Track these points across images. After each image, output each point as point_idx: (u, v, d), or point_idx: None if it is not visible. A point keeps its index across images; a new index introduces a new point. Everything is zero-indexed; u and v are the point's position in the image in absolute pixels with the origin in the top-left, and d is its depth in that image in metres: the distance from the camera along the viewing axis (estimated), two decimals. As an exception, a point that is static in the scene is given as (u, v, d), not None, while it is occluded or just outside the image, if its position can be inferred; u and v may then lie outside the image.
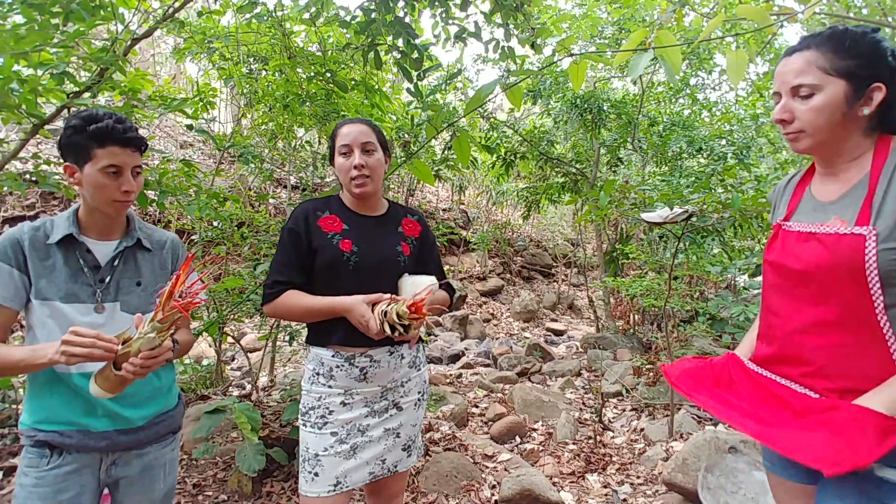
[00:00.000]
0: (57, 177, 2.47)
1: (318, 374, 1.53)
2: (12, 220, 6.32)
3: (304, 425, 1.54)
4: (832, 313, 1.01)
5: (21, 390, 3.00)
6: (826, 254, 1.02)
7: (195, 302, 1.14)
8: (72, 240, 1.28)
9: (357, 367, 1.52)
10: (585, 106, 6.03)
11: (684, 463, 2.56)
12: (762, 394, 1.11)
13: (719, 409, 1.09)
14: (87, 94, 2.29)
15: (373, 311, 1.41)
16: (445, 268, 1.81)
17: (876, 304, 0.97)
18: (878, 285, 0.96)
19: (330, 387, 1.52)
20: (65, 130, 1.25)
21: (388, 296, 1.43)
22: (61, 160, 1.29)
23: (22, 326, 4.05)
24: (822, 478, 1.09)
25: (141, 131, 1.40)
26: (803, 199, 1.17)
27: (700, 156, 5.98)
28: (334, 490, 1.48)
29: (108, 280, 1.31)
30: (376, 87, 3.32)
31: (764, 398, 1.10)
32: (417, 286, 1.52)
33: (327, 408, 1.51)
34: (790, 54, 1.07)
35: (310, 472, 1.49)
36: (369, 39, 2.59)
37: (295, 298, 1.50)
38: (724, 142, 5.75)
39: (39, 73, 2.06)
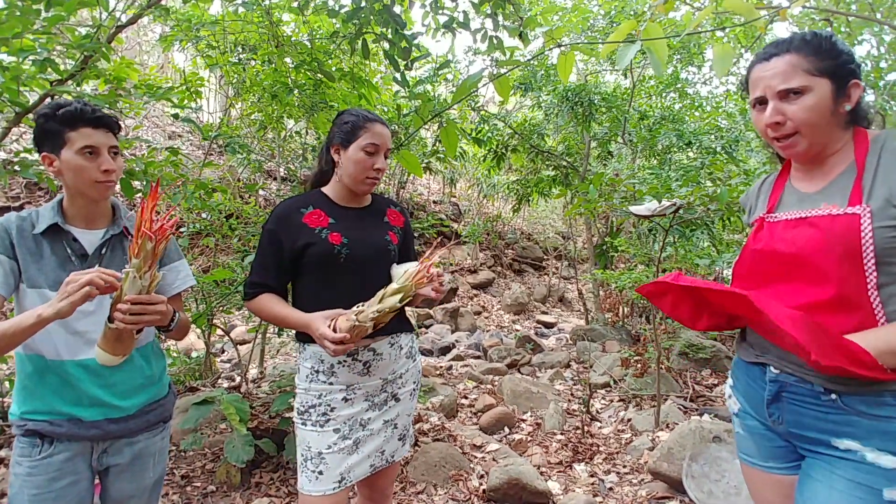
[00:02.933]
0: (41, 167, 2.44)
1: (317, 371, 1.51)
2: (-4, 211, 6.23)
3: (304, 424, 1.51)
4: (828, 293, 1.02)
5: (7, 384, 2.98)
6: (820, 235, 1.03)
7: (164, 227, 1.13)
8: (57, 229, 1.28)
9: (360, 361, 1.51)
10: (576, 99, 6.02)
11: (669, 452, 2.60)
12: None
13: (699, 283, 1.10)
14: (70, 82, 2.25)
15: (334, 327, 1.37)
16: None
17: (869, 282, 0.98)
18: (872, 262, 0.98)
19: (331, 383, 1.51)
20: (36, 121, 1.26)
21: (349, 311, 1.40)
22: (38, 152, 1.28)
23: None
24: (805, 466, 1.10)
25: (127, 121, 1.40)
26: (785, 193, 1.19)
27: (689, 149, 6.01)
28: (339, 486, 1.47)
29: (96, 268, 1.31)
30: (365, 77, 3.30)
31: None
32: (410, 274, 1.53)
33: (329, 405, 1.50)
34: (767, 59, 1.08)
35: (313, 472, 1.47)
36: (357, 28, 2.57)
37: (267, 304, 1.51)
38: (713, 136, 5.78)
39: (21, 60, 2.02)
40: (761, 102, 1.10)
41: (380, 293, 1.39)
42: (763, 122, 1.10)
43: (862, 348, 0.92)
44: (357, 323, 1.34)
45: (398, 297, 1.36)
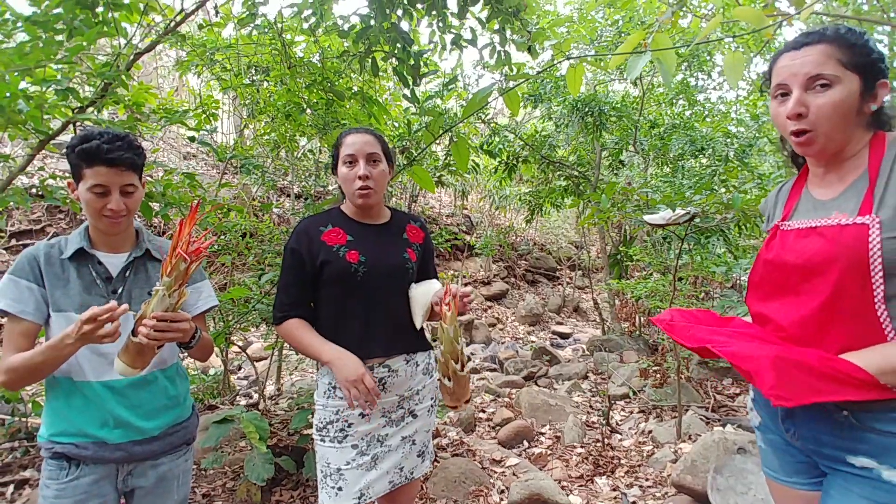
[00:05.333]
0: (62, 191, 2.50)
1: (334, 387, 1.52)
2: (19, 234, 6.38)
3: (323, 440, 1.52)
4: (834, 305, 0.99)
5: (30, 404, 3.03)
6: (828, 245, 1.00)
7: (199, 249, 1.15)
8: (83, 253, 1.32)
9: (376, 377, 1.52)
10: (586, 109, 6.03)
11: (693, 464, 2.55)
12: (749, 332, 1.12)
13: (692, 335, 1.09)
14: (91, 109, 2.31)
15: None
16: (450, 273, 1.84)
17: (876, 295, 0.95)
18: (880, 274, 0.94)
19: None
20: (65, 150, 1.29)
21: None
22: (66, 175, 1.32)
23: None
24: (825, 483, 1.07)
25: (144, 144, 1.43)
26: (801, 200, 1.15)
27: (702, 156, 5.97)
28: (358, 503, 1.48)
29: (120, 291, 1.34)
30: (375, 97, 3.35)
31: (748, 335, 1.11)
32: (429, 294, 1.53)
33: (346, 421, 1.51)
34: (797, 48, 1.03)
35: (333, 488, 1.48)
36: (366, 46, 2.61)
37: (297, 332, 1.52)
38: (725, 141, 5.74)
39: (44, 89, 2.08)
40: (784, 94, 1.05)
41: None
42: (784, 113, 1.04)
43: (857, 367, 0.90)
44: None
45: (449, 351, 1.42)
